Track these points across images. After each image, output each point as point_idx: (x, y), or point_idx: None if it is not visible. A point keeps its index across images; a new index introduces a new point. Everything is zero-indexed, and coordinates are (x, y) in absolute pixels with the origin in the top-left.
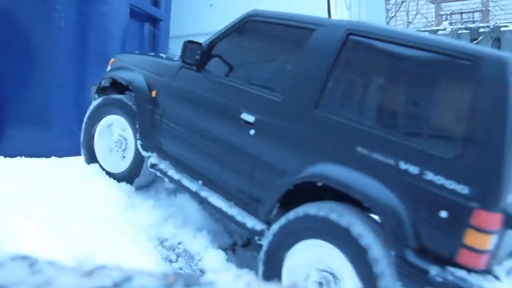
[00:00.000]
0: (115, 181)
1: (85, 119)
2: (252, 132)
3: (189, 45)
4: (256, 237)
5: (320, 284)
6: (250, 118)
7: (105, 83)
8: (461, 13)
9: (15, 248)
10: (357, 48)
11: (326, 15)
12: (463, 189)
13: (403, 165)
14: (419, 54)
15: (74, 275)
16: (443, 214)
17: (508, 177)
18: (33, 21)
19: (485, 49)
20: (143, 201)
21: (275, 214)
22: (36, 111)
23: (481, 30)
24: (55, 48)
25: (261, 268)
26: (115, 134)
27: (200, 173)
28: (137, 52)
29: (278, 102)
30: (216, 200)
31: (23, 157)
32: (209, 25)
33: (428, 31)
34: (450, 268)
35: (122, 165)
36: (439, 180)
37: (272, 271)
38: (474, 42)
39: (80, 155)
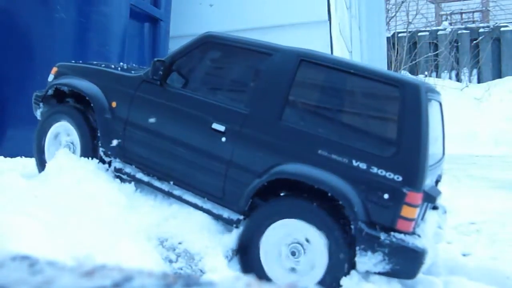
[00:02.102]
0: (115, 181)
1: (38, 126)
2: (223, 139)
3: (157, 63)
4: (234, 225)
5: (293, 253)
6: (221, 127)
7: (51, 91)
8: (461, 13)
9: (15, 248)
10: (307, 72)
11: (326, 15)
12: (399, 178)
13: (355, 163)
14: (360, 80)
15: (74, 275)
16: (386, 196)
17: (425, 168)
18: (33, 21)
19: (406, 76)
20: (143, 201)
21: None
22: None
23: (481, 30)
24: (55, 48)
25: (238, 248)
26: (64, 139)
27: (170, 175)
28: (80, 62)
29: (245, 115)
30: (190, 197)
31: (23, 157)
32: (209, 25)
33: (428, 31)
34: (393, 233)
35: None
36: (382, 172)
37: (247, 250)
38: (474, 42)
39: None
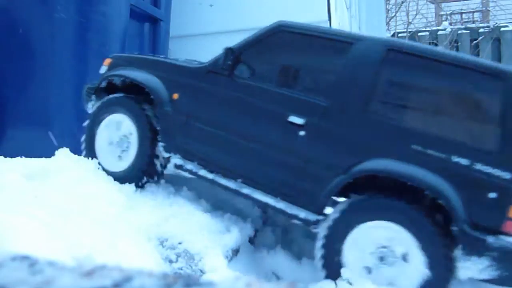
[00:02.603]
0: (115, 181)
1: (88, 119)
2: (302, 133)
3: (228, 52)
4: (312, 226)
5: (381, 258)
6: (299, 120)
7: (104, 83)
8: (461, 13)
9: (15, 248)
10: (397, 62)
11: (326, 15)
12: (506, 175)
13: (454, 159)
14: (456, 70)
15: (74, 275)
16: (492, 195)
17: None
18: (33, 21)
19: (507, 66)
20: (143, 201)
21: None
22: (36, 111)
23: (481, 30)
24: (55, 48)
25: (319, 253)
26: (118, 133)
27: (238, 172)
28: (136, 53)
29: (325, 107)
30: (261, 196)
31: (23, 157)
32: (209, 25)
33: (428, 31)
34: (501, 236)
35: (121, 165)
36: (487, 169)
37: (332, 254)
38: (474, 42)
39: (79, 155)
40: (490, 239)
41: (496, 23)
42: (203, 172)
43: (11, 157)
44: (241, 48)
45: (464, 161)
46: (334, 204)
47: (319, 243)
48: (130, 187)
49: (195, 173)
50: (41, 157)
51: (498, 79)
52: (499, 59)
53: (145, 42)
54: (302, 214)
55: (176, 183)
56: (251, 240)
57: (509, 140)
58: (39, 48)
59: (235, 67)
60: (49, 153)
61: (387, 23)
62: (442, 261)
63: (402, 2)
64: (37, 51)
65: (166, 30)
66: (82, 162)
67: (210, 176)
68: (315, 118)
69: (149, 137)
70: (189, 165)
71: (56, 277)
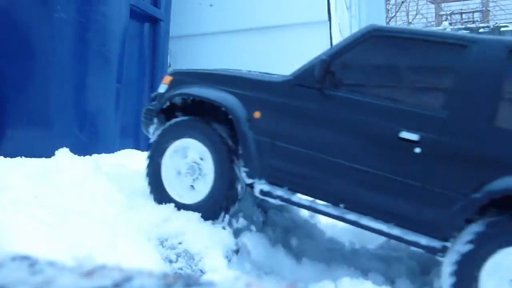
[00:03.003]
0: (115, 181)
1: (153, 147)
2: (417, 150)
3: (320, 63)
4: (439, 254)
5: None
6: (413, 136)
7: (168, 104)
8: (461, 13)
9: (15, 248)
10: None
11: (326, 15)
12: None
13: None
14: None
15: (74, 275)
16: None
17: None
18: (33, 21)
19: None
20: (143, 201)
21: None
22: (36, 111)
23: (481, 30)
24: (55, 48)
25: (448, 280)
26: (187, 160)
27: (340, 197)
28: (197, 68)
29: (443, 119)
30: (370, 222)
31: (23, 157)
32: (209, 25)
33: None
34: None
35: (193, 196)
36: None
37: (465, 283)
38: None
39: (79, 155)
40: None
41: (496, 23)
42: (296, 198)
43: (11, 157)
44: (332, 57)
45: None
46: (461, 227)
47: (448, 269)
48: (130, 187)
49: (287, 200)
50: (41, 157)
51: None
52: None
53: (145, 42)
54: (423, 240)
55: None
56: (252, 240)
57: None
58: (39, 48)
59: (327, 79)
60: (49, 153)
61: (387, 23)
62: None
63: (402, 2)
64: (37, 51)
65: (166, 30)
66: (82, 162)
67: (305, 202)
68: (432, 133)
69: (227, 162)
70: (279, 191)
71: (56, 277)
